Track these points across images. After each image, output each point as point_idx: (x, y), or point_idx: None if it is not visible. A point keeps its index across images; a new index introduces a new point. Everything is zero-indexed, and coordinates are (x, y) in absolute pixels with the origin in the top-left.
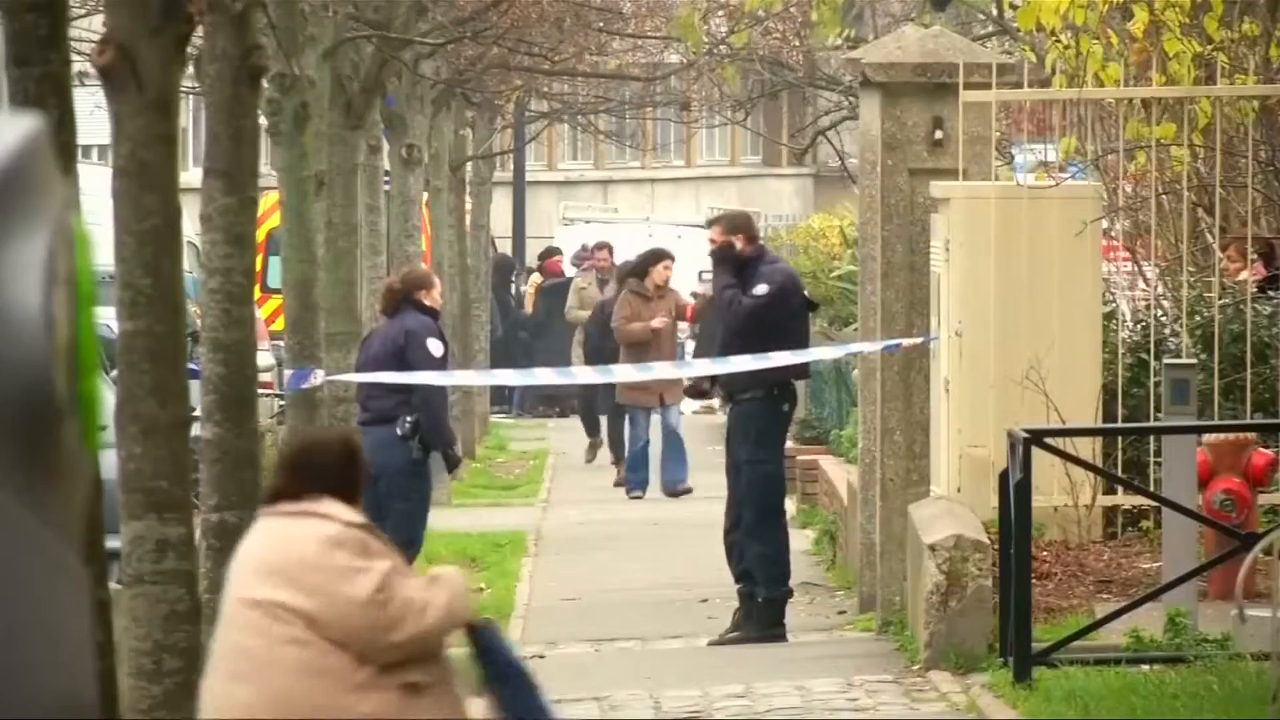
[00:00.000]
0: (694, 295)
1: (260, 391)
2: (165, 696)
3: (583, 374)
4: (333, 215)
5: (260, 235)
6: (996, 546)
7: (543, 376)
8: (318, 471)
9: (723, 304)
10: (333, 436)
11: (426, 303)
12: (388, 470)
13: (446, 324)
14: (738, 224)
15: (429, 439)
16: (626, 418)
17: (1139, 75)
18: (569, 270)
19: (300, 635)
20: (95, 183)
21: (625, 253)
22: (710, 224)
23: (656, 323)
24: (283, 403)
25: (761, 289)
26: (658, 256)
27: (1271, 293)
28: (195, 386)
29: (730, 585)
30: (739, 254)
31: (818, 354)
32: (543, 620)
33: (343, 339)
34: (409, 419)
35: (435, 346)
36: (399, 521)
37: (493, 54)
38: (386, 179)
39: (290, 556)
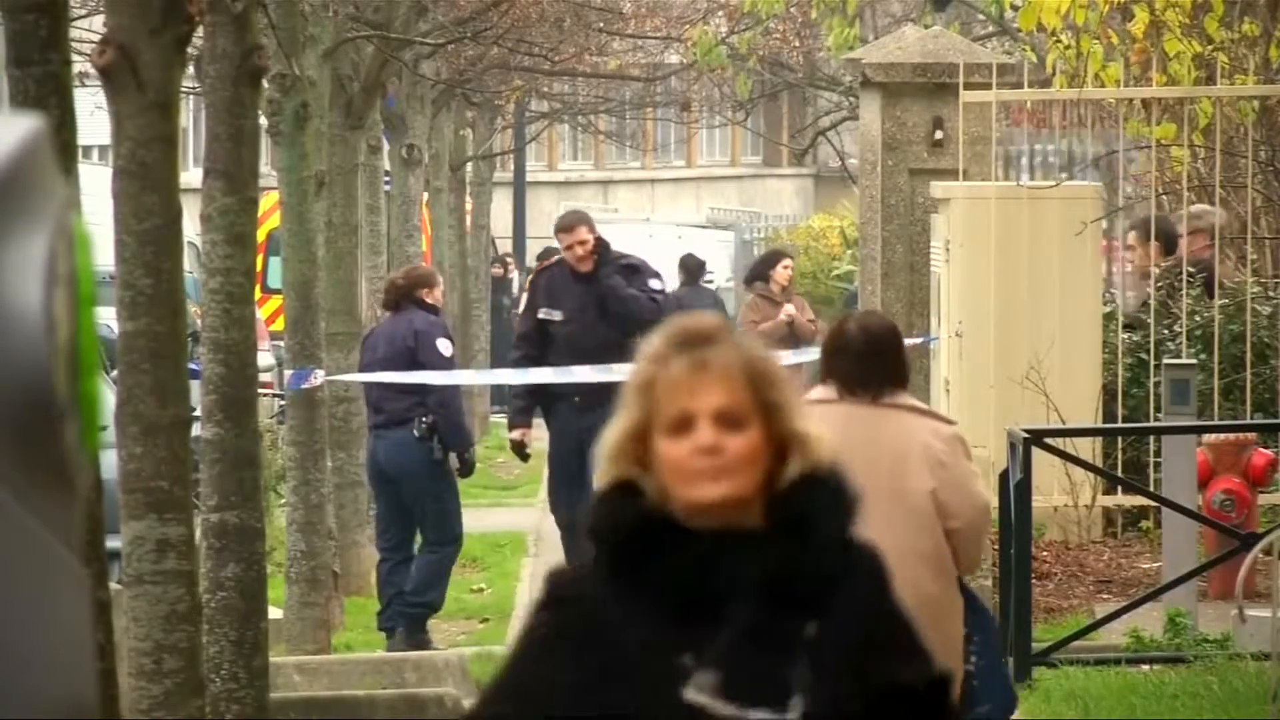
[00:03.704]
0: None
1: (260, 391)
2: (165, 696)
3: (581, 373)
4: (333, 215)
5: (260, 235)
6: (996, 546)
7: (542, 376)
8: (891, 361)
9: (635, 303)
10: (886, 325)
11: (429, 301)
12: (409, 474)
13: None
14: (592, 222)
15: (447, 440)
16: None
17: (1139, 75)
18: None
19: (931, 523)
20: (95, 183)
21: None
22: (566, 229)
23: (789, 310)
24: (283, 403)
25: (658, 283)
26: (777, 256)
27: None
28: (195, 386)
29: None
30: (623, 254)
31: (818, 354)
32: None
33: (343, 339)
34: (424, 420)
35: (445, 346)
36: (437, 523)
37: (493, 54)
38: (386, 179)
39: (925, 450)
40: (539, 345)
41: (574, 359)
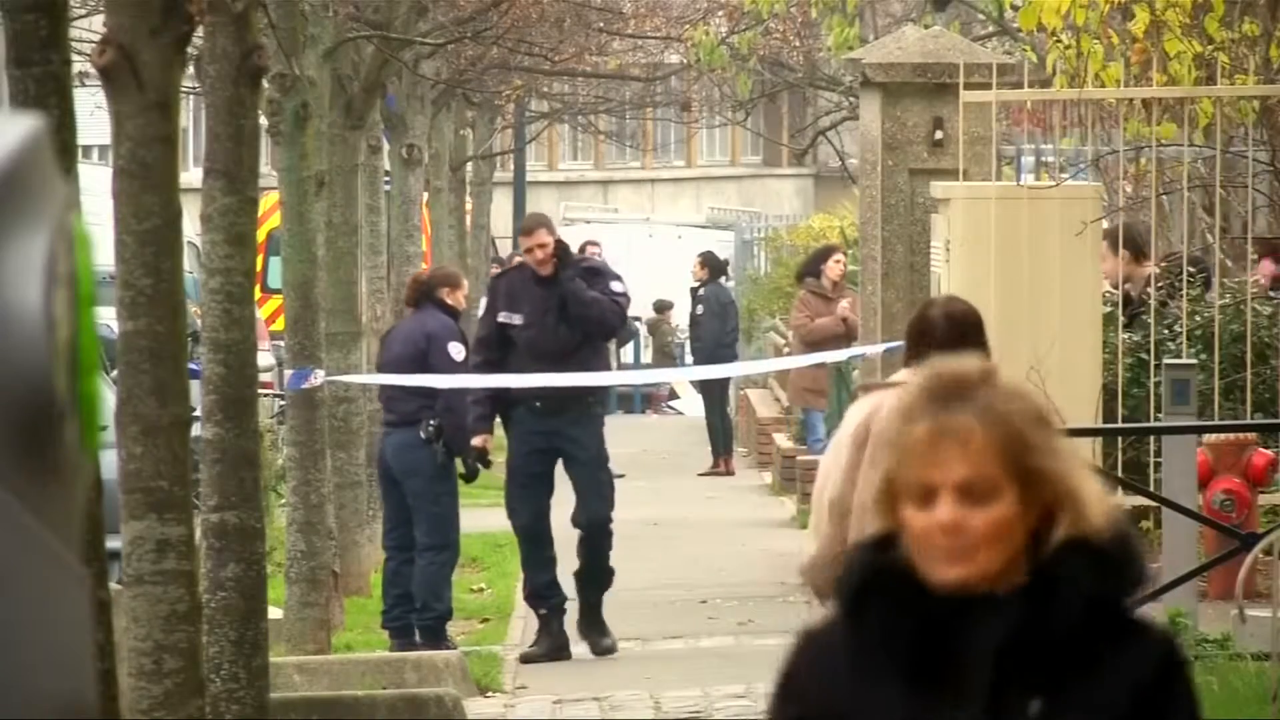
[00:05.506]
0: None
1: (260, 391)
2: (165, 696)
3: (584, 377)
4: (333, 215)
5: (260, 235)
6: None
7: (542, 379)
8: (975, 345)
9: (597, 307)
10: (969, 309)
11: (449, 301)
12: (413, 474)
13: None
14: (553, 225)
15: (452, 445)
16: (803, 419)
17: (1139, 75)
18: None
19: None
20: (95, 183)
21: (626, 253)
22: (527, 232)
23: (844, 307)
24: (283, 403)
25: (619, 285)
26: (829, 251)
27: (1272, 293)
28: (195, 386)
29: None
30: (583, 256)
31: (820, 358)
32: None
33: (343, 339)
34: (432, 423)
35: (456, 350)
36: (431, 526)
37: (493, 54)
38: (386, 179)
39: None
40: (499, 349)
41: (534, 363)
